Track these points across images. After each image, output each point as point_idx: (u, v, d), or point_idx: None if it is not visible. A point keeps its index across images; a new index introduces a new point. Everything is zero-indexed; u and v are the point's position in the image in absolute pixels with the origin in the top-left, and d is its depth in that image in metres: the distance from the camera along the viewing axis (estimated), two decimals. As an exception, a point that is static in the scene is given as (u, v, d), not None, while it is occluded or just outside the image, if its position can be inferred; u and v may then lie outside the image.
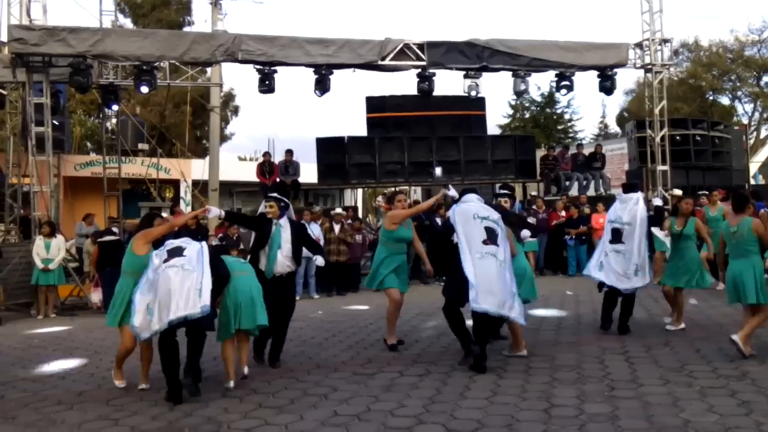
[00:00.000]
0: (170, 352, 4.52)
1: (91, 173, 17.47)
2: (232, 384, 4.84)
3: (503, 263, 4.99)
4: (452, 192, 6.02)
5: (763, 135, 29.14)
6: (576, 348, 5.83)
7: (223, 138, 27.15)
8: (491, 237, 5.03)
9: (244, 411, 4.32)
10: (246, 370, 5.08)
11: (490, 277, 4.88)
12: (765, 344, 5.59)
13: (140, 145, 18.91)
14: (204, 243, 4.85)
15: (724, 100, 30.85)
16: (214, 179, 16.14)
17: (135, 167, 17.63)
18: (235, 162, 26.06)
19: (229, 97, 27.43)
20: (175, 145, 20.78)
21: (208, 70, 15.11)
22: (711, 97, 30.16)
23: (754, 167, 21.12)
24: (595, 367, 5.10)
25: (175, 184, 19.47)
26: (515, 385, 4.65)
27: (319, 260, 6.65)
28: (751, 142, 25.58)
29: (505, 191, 6.31)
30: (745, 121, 29.01)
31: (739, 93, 30.32)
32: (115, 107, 12.93)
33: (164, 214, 11.94)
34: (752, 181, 18.00)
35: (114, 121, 15.63)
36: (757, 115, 30.52)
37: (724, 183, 13.75)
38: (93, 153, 21.07)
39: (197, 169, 18.29)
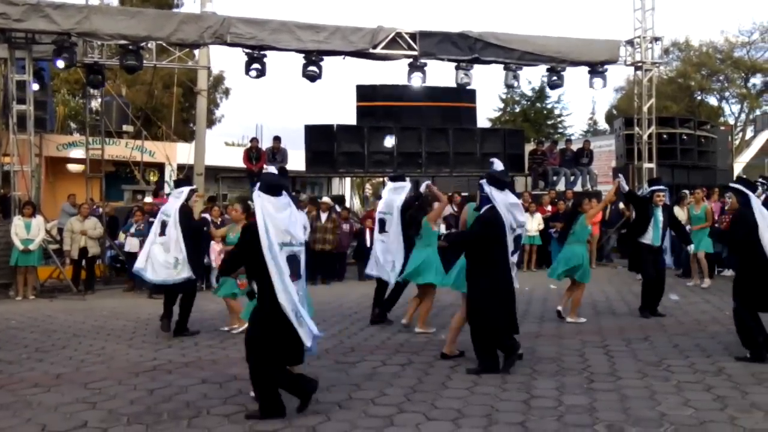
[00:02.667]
0: None
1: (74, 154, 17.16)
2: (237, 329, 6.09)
3: (386, 243, 6.59)
4: (499, 165, 5.57)
5: (748, 136, 29.46)
6: (557, 341, 5.88)
7: (212, 122, 26.81)
8: (381, 227, 6.70)
9: (223, 397, 4.30)
10: None
11: (377, 254, 6.64)
12: (739, 341, 5.67)
13: (125, 127, 18.61)
14: None
15: (712, 101, 31.17)
16: (200, 164, 15.93)
17: (119, 149, 17.35)
18: (222, 147, 25.77)
19: (219, 80, 27.05)
20: (160, 127, 20.47)
21: (196, 52, 14.84)
22: (699, 97, 30.42)
23: (738, 167, 21.38)
24: (575, 360, 5.15)
25: (160, 167, 19.20)
26: (496, 376, 4.68)
27: None
28: (737, 142, 25.88)
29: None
30: (731, 121, 29.35)
31: (726, 93, 30.63)
32: (104, 86, 12.63)
33: (148, 199, 11.83)
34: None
35: (98, 101, 15.31)
36: (743, 116, 30.89)
37: (708, 182, 13.90)
38: (77, 133, 20.68)
39: (183, 152, 18.03)
